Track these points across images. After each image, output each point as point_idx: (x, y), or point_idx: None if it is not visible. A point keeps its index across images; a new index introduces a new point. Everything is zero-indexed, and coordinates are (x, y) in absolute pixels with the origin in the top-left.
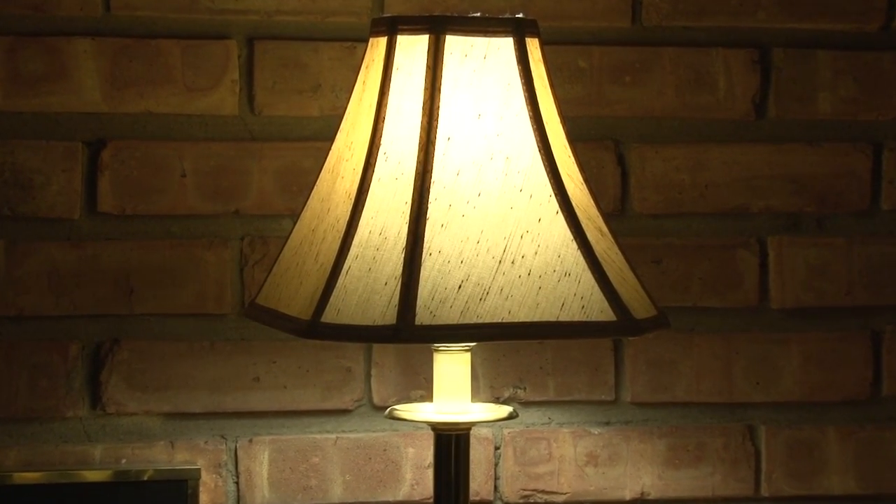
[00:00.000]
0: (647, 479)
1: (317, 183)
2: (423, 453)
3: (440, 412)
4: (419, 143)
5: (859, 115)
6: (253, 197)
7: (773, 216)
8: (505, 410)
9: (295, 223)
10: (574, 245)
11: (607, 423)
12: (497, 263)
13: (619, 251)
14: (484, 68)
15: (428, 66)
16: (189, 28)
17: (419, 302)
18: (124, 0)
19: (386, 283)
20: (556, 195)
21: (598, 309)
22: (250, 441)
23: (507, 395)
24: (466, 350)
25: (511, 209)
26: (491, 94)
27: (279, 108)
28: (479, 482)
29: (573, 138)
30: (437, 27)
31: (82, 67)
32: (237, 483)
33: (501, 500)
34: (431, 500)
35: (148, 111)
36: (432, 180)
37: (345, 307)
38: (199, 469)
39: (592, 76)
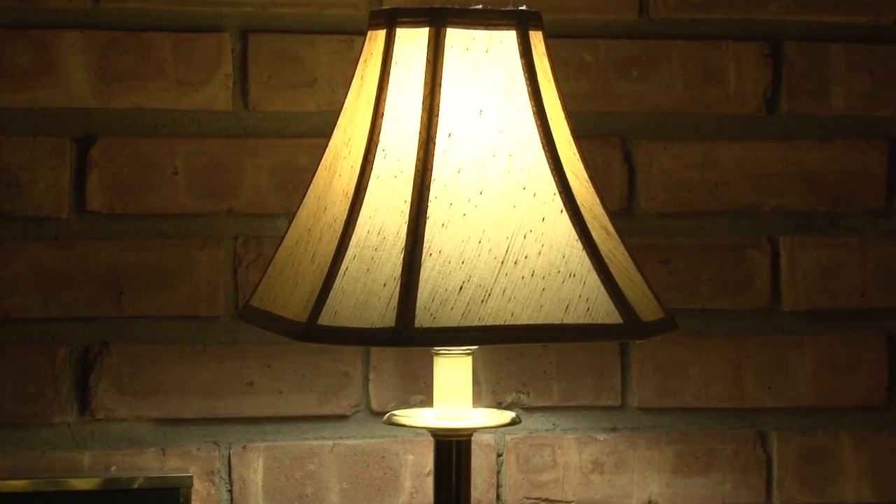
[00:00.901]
0: (654, 487)
1: (313, 181)
2: (423, 460)
3: (440, 418)
4: (419, 140)
5: (874, 111)
6: (247, 195)
7: (785, 215)
8: (507, 416)
9: (290, 222)
10: (579, 245)
11: (613, 430)
12: (499, 264)
13: (625, 251)
14: (486, 62)
15: (428, 61)
16: (181, 21)
17: (419, 304)
18: None
19: (385, 285)
20: (560, 193)
21: (603, 311)
22: (244, 448)
23: (509, 400)
24: (468, 353)
25: (514, 208)
26: (493, 89)
27: (274, 103)
28: (480, 490)
29: (578, 135)
30: (438, 20)
31: (70, 61)
32: (230, 491)
33: None
34: None
35: (138, 106)
36: (432, 178)
37: (342, 309)
38: (192, 476)
39: (598, 70)
